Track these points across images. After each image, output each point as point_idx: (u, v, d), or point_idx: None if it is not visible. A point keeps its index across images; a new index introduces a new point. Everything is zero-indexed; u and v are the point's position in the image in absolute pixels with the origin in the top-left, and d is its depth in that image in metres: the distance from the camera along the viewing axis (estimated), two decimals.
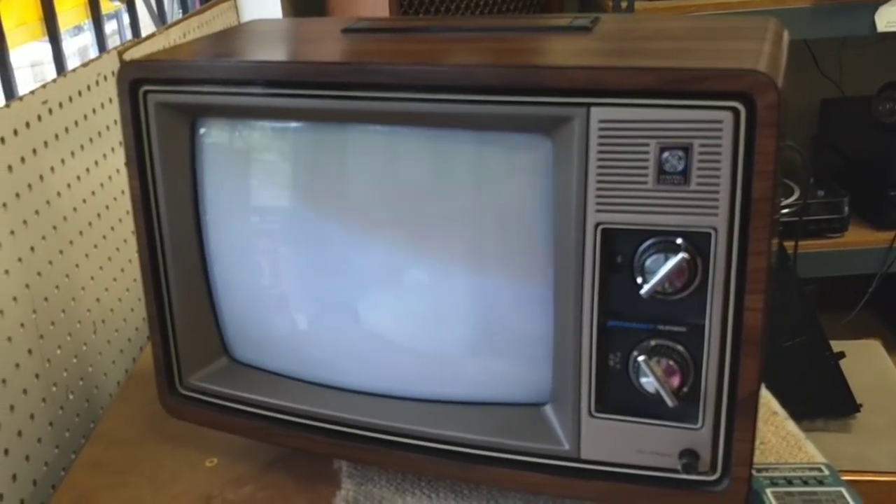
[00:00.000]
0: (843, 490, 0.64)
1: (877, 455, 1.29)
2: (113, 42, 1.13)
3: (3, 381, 0.71)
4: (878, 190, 1.69)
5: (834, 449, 1.26)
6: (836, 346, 1.39)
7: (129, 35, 1.25)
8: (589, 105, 0.54)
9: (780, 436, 0.75)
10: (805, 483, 0.65)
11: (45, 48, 0.99)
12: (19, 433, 0.73)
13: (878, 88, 1.77)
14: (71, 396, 0.82)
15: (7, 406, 0.71)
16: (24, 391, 0.74)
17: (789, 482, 0.65)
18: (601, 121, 0.54)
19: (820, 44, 1.89)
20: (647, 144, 0.54)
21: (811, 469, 0.67)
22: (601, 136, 0.54)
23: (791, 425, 0.76)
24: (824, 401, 1.34)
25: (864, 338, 1.59)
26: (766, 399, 0.79)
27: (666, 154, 0.53)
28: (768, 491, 0.64)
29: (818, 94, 1.96)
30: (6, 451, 0.70)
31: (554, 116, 0.55)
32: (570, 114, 0.55)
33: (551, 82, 0.55)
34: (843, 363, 1.37)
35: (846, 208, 1.67)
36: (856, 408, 1.34)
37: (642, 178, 0.54)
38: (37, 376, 0.76)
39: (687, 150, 0.53)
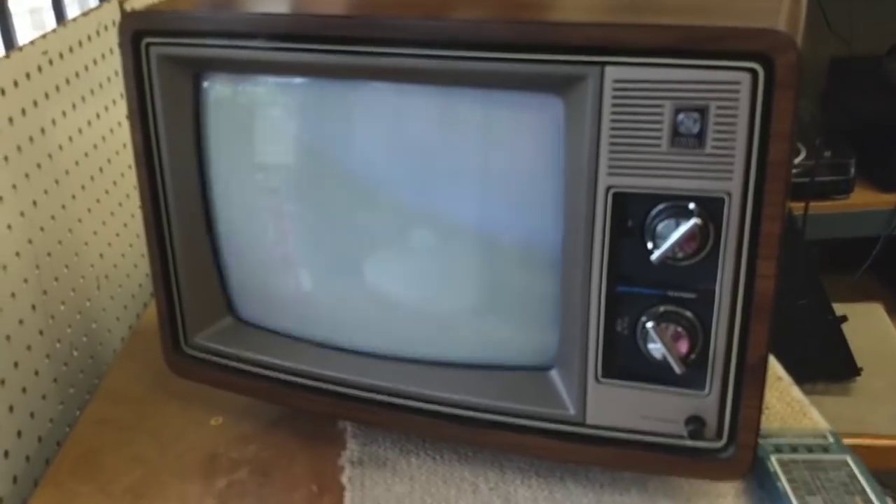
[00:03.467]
0: (848, 458, 0.64)
1: (876, 419, 1.30)
2: None
3: (7, 337, 0.70)
4: (885, 151, 1.67)
5: (833, 412, 1.26)
6: (839, 308, 1.39)
7: None
8: (603, 64, 0.53)
9: (784, 401, 0.75)
10: (809, 450, 0.65)
11: None
12: (24, 389, 0.73)
13: (888, 48, 1.74)
14: (75, 353, 0.82)
15: (11, 362, 0.71)
16: (28, 347, 0.74)
17: (794, 449, 0.65)
18: (615, 80, 0.53)
19: (830, 1, 1.85)
20: (661, 105, 0.52)
21: (816, 436, 0.67)
22: (615, 97, 0.53)
23: (796, 391, 0.76)
24: (825, 364, 1.35)
25: (867, 300, 1.58)
26: (771, 364, 0.79)
27: (681, 116, 0.52)
28: (773, 458, 0.64)
29: (828, 51, 1.93)
30: (11, 408, 0.70)
31: (567, 75, 0.54)
32: (584, 72, 0.53)
33: (565, 39, 0.53)
34: (844, 326, 1.37)
35: (852, 170, 1.65)
36: (856, 371, 1.34)
37: (656, 141, 0.53)
38: (40, 332, 0.76)
39: (703, 111, 0.52)
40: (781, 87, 0.50)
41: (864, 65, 1.84)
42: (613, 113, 0.53)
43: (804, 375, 0.80)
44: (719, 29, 0.51)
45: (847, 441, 0.66)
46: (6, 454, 0.69)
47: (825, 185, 1.64)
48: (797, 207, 1.23)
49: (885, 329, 1.50)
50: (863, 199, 1.67)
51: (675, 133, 0.53)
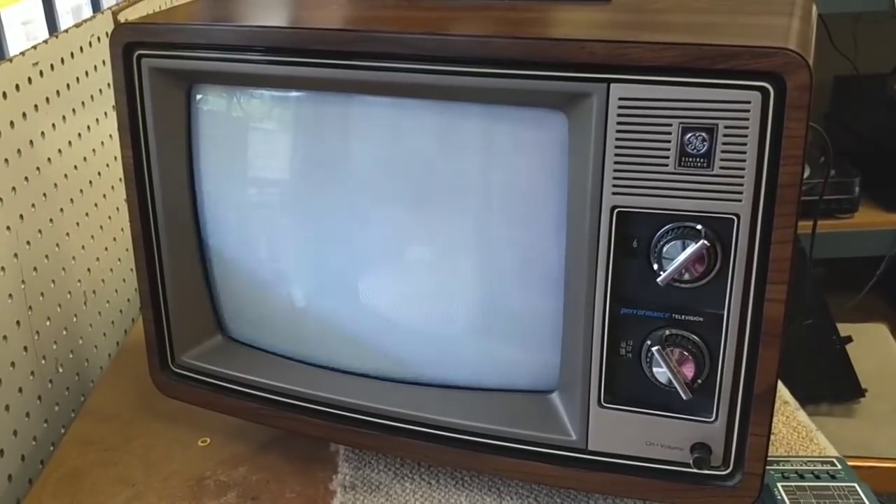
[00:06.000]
0: (857, 485, 0.62)
1: (881, 441, 1.28)
2: (108, 0, 1.09)
3: None
4: (890, 170, 1.66)
5: (838, 434, 1.25)
6: (843, 329, 1.38)
7: None
8: (609, 81, 0.51)
9: (790, 426, 0.73)
10: (817, 477, 0.63)
11: (38, 5, 0.95)
12: (7, 407, 0.71)
13: (893, 66, 1.73)
14: (60, 370, 0.80)
15: None
16: (12, 364, 0.72)
17: (801, 476, 0.63)
18: (621, 98, 0.51)
19: (835, 19, 1.84)
20: (669, 125, 0.51)
21: (823, 462, 0.65)
22: (620, 115, 0.52)
23: (802, 415, 0.74)
24: (830, 385, 1.33)
25: (871, 320, 1.57)
26: (777, 388, 0.77)
27: (689, 135, 0.51)
28: (780, 485, 0.62)
29: (831, 70, 1.92)
30: None
31: (571, 92, 0.52)
32: (589, 90, 0.52)
33: (570, 56, 0.52)
34: (849, 347, 1.36)
35: (857, 189, 1.64)
36: (861, 392, 1.33)
37: (663, 160, 0.52)
38: (25, 349, 0.74)
39: (711, 131, 0.50)
40: (792, 108, 0.49)
41: (869, 84, 1.83)
42: (619, 131, 0.52)
43: (809, 397, 0.79)
44: (729, 47, 0.49)
45: (851, 463, 0.65)
46: None
47: (829, 203, 1.63)
48: (803, 227, 1.22)
49: (890, 350, 1.49)
50: (867, 218, 1.66)
51: (683, 152, 0.51)
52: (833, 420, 1.30)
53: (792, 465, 0.65)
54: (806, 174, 1.53)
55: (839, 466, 0.65)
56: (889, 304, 1.80)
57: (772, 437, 0.70)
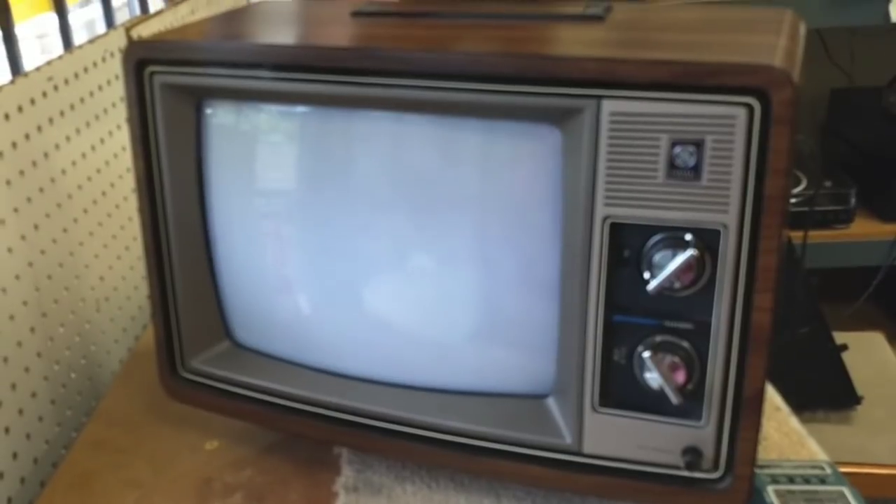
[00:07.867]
0: (845, 490, 0.64)
1: (876, 448, 1.29)
2: (122, 15, 1.12)
3: (5, 359, 0.71)
4: (885, 182, 1.67)
5: (834, 441, 1.26)
6: (839, 337, 1.39)
7: (138, 8, 1.23)
8: (600, 97, 0.53)
9: (782, 432, 0.74)
10: (807, 481, 0.65)
11: (53, 19, 0.98)
12: (20, 411, 0.73)
13: (888, 79, 1.75)
14: (73, 375, 0.82)
15: (9, 384, 0.71)
16: (26, 369, 0.74)
17: (791, 480, 0.65)
18: (612, 113, 0.53)
19: (831, 32, 1.87)
20: (658, 138, 0.53)
21: (813, 467, 0.67)
22: (612, 129, 0.54)
23: (794, 421, 0.76)
24: (826, 392, 1.34)
25: (867, 329, 1.58)
26: (770, 394, 0.79)
27: (677, 149, 0.53)
28: (769, 489, 0.64)
29: (828, 83, 1.94)
30: (7, 430, 0.70)
31: (564, 107, 0.54)
32: (581, 105, 0.54)
33: (563, 72, 0.54)
34: (845, 355, 1.37)
35: (853, 199, 1.65)
36: (857, 400, 1.34)
37: (652, 173, 0.54)
38: (39, 354, 0.76)
39: (699, 145, 0.52)
40: (778, 123, 0.51)
41: (865, 96, 1.85)
42: (610, 145, 0.54)
43: (805, 404, 0.80)
44: (715, 64, 0.51)
45: (847, 470, 0.66)
46: (1, 475, 0.69)
47: (826, 214, 1.64)
48: (797, 236, 1.23)
49: (886, 358, 1.50)
50: (863, 228, 1.68)
51: (672, 165, 0.53)
52: (829, 427, 1.32)
53: (782, 470, 0.66)
54: (802, 185, 1.55)
55: (828, 471, 0.66)
56: (885, 313, 1.82)
57: (764, 443, 0.72)
